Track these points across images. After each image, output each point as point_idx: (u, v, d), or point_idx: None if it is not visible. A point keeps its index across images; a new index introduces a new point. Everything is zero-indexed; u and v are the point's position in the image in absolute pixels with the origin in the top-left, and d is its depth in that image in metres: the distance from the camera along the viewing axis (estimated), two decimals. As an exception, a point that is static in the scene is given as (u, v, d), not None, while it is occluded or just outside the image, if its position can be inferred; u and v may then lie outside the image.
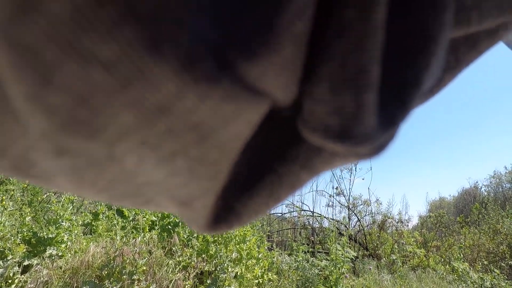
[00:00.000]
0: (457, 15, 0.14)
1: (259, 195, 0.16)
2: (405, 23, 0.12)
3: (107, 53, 0.09)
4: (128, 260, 2.37)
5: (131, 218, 3.15)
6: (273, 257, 3.57)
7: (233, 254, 2.88)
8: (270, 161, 0.15)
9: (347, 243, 4.36)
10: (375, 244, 6.08)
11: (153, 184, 0.14)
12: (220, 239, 2.99)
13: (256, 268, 2.97)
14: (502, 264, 6.09)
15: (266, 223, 5.44)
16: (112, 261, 2.33)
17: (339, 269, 3.60)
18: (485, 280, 4.81)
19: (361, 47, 0.11)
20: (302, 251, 4.01)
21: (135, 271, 2.31)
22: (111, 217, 3.33)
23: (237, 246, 2.96)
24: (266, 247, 3.56)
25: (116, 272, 2.28)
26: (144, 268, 2.43)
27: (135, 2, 0.08)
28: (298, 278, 3.48)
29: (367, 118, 0.12)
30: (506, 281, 5.12)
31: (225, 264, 2.73)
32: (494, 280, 4.90)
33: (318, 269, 3.76)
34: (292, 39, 0.10)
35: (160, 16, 0.09)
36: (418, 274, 4.95)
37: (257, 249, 3.17)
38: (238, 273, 2.78)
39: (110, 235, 3.03)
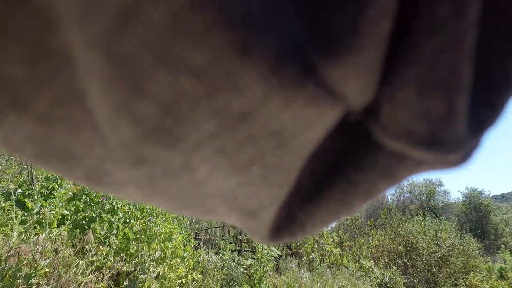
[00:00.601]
0: None
1: (327, 204, 0.15)
2: (495, 20, 0.11)
3: (198, 59, 0.09)
4: (25, 261, 2.01)
5: (35, 211, 2.69)
6: (199, 256, 3.49)
7: (156, 253, 2.71)
8: (340, 168, 0.14)
9: (273, 242, 4.52)
10: (298, 244, 6.46)
11: (219, 194, 0.14)
12: (143, 237, 2.78)
13: (180, 267, 2.85)
14: (399, 261, 7.13)
15: (194, 221, 5.30)
16: (3, 262, 1.95)
17: (263, 267, 3.71)
18: (385, 275, 5.55)
19: (454, 47, 0.10)
20: (229, 250, 4.02)
21: (34, 274, 1.98)
22: (8, 209, 2.79)
23: (162, 245, 2.80)
24: (192, 246, 3.46)
25: (7, 275, 1.92)
26: (47, 270, 2.10)
27: (226, 6, 0.08)
28: (223, 277, 3.46)
29: (458, 123, 0.11)
30: (401, 276, 6.01)
31: (147, 264, 2.54)
32: (392, 275, 5.70)
33: (243, 267, 3.81)
34: (375, 39, 0.10)
35: (249, 19, 0.09)
36: (333, 271, 5.43)
37: (183, 247, 3.05)
38: (161, 273, 2.63)
39: (5, 231, 2.54)
